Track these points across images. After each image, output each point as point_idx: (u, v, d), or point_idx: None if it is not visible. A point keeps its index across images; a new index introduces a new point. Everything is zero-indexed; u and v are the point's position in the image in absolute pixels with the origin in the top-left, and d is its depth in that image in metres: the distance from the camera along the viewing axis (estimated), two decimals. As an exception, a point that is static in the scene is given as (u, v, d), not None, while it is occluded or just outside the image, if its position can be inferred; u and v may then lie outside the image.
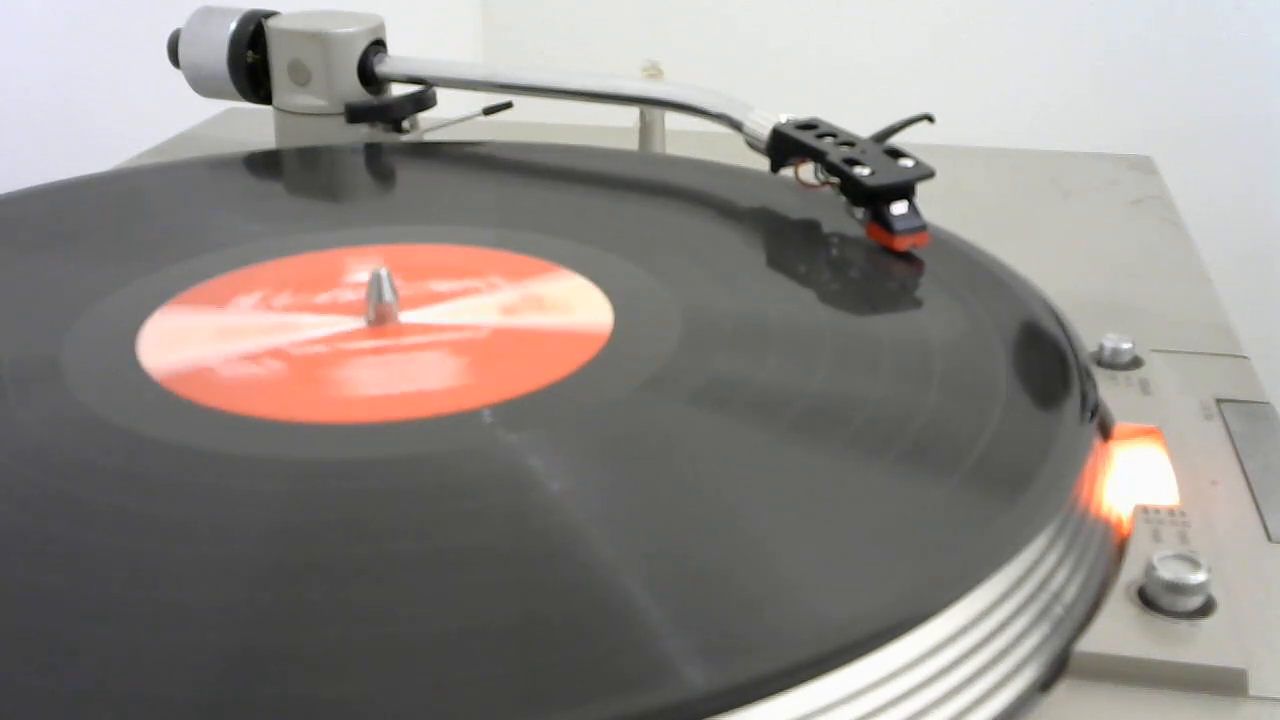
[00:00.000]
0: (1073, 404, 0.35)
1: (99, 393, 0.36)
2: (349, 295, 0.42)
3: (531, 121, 0.64)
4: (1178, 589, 0.29)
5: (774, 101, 0.53)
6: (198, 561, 0.29)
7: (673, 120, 0.58)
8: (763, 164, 0.51)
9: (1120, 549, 0.31)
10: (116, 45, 0.72)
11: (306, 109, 0.58)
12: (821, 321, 0.41)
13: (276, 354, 0.38)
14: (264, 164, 0.56)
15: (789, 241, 0.49)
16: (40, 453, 0.34)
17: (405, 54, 0.59)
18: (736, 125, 0.52)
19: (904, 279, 0.44)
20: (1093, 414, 0.35)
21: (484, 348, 0.39)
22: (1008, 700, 0.27)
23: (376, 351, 0.38)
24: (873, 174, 0.45)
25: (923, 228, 0.45)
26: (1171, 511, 0.33)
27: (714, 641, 0.26)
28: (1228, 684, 0.28)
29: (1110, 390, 0.38)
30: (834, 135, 0.49)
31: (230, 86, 0.59)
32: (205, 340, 0.39)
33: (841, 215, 0.47)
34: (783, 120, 0.51)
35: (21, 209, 0.50)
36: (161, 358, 0.38)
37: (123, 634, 0.26)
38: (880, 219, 0.45)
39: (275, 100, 0.59)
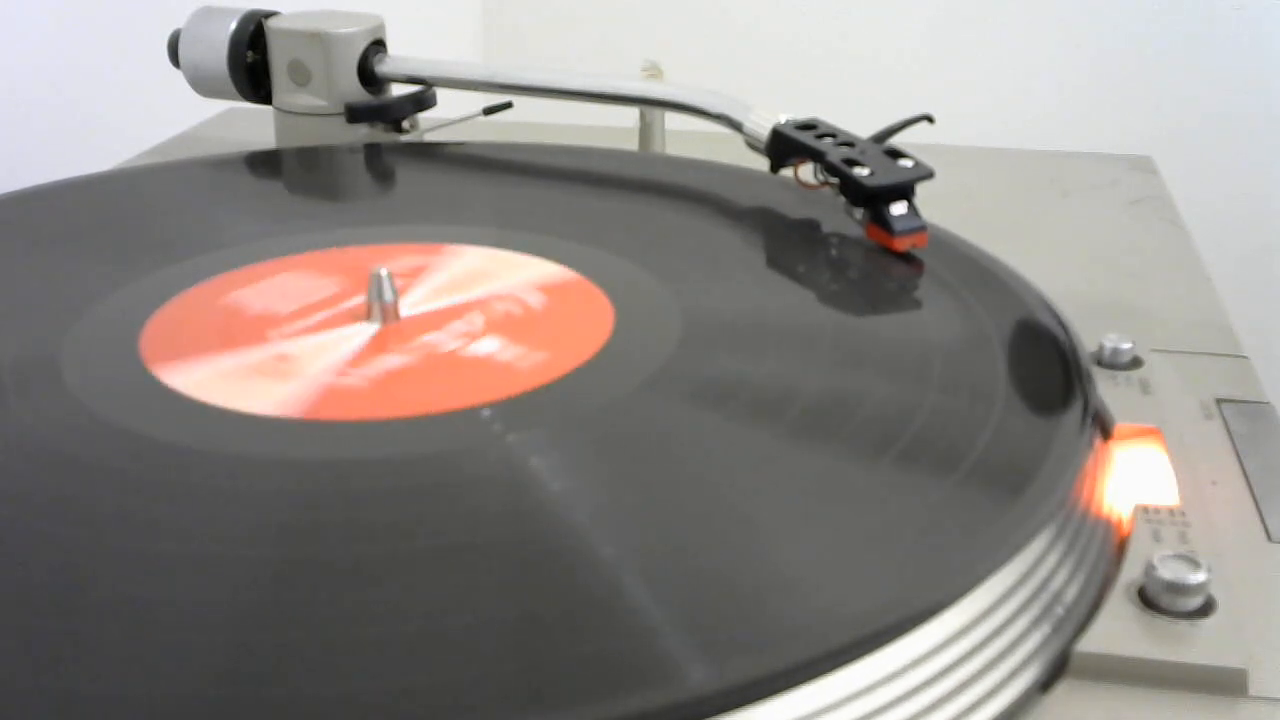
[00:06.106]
0: (1073, 404, 0.35)
1: (99, 393, 0.36)
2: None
3: (531, 121, 0.64)
4: (1178, 589, 0.29)
5: (774, 101, 0.53)
6: (198, 561, 0.29)
7: (673, 120, 0.58)
8: (763, 164, 0.51)
9: (1120, 549, 0.31)
10: (117, 45, 0.72)
11: (306, 109, 0.58)
12: (821, 321, 0.41)
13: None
14: (264, 164, 0.57)
15: (789, 241, 0.49)
16: (40, 453, 0.34)
17: (405, 54, 0.59)
18: (736, 125, 0.52)
19: (904, 279, 0.44)
20: (1093, 414, 0.35)
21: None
22: (1008, 700, 0.27)
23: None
24: (872, 174, 0.45)
25: (922, 228, 0.45)
26: (1171, 511, 0.33)
27: (714, 641, 0.26)
28: (1228, 684, 0.28)
29: (1110, 390, 0.38)
30: (833, 135, 0.49)
31: (230, 86, 0.59)
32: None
33: (841, 215, 0.47)
34: (782, 120, 0.51)
35: (21, 209, 0.50)
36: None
37: (123, 634, 0.26)
38: (880, 219, 0.45)
39: (275, 100, 0.59)
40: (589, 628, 0.26)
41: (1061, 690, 0.28)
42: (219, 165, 0.56)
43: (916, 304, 0.43)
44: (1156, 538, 0.32)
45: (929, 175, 0.46)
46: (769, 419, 0.35)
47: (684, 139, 0.60)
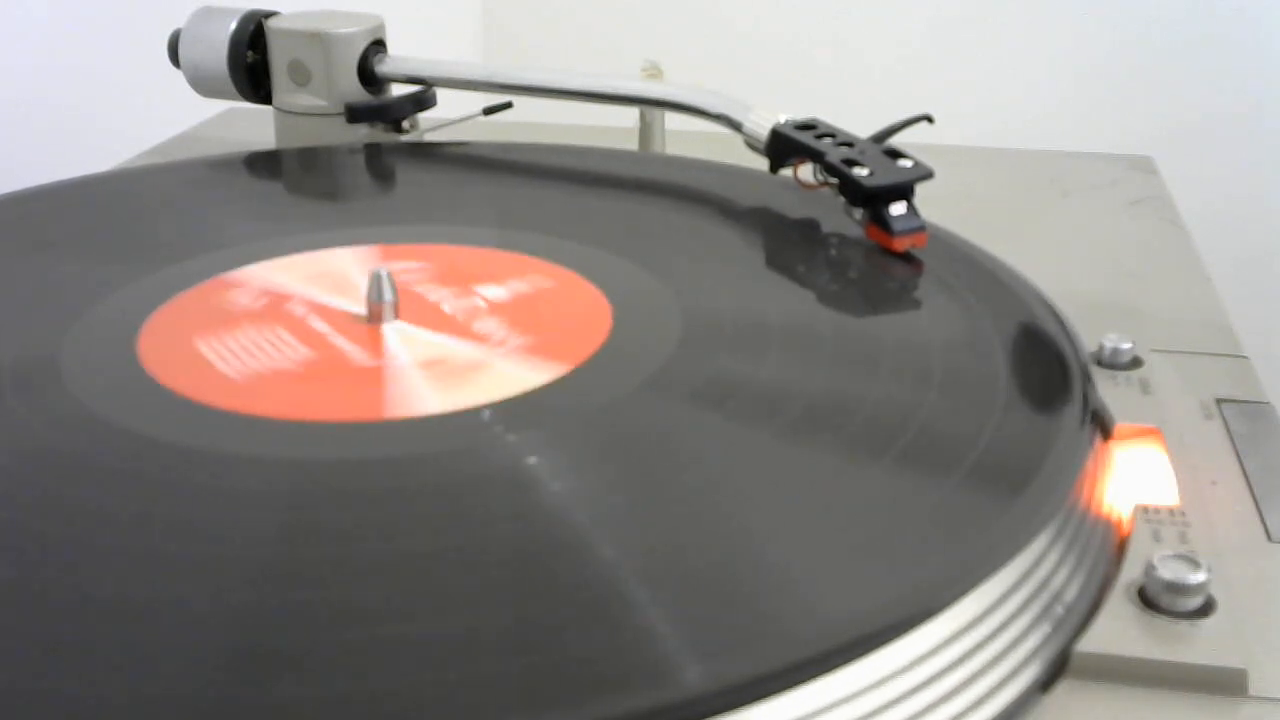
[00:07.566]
0: (1073, 404, 0.35)
1: (99, 393, 0.36)
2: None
3: (531, 121, 0.64)
4: (1178, 589, 0.29)
5: (774, 101, 0.53)
6: (198, 561, 0.29)
7: (673, 120, 0.58)
8: (762, 164, 0.51)
9: (1120, 549, 0.31)
10: (116, 45, 0.72)
11: (306, 109, 0.58)
12: (821, 321, 0.41)
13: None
14: (264, 164, 0.57)
15: (789, 241, 0.49)
16: (40, 453, 0.34)
17: (405, 54, 0.59)
18: (736, 125, 0.52)
19: (904, 279, 0.44)
20: (1093, 414, 0.35)
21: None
22: (1008, 700, 0.27)
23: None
24: (871, 174, 0.45)
25: (922, 228, 0.45)
26: (1171, 511, 0.33)
27: (713, 641, 0.26)
28: (1228, 684, 0.28)
29: (1110, 390, 0.38)
30: (833, 135, 0.49)
31: (230, 86, 0.59)
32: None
33: (841, 215, 0.47)
34: (782, 120, 0.51)
35: (21, 209, 0.50)
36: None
37: (123, 634, 0.26)
38: (879, 219, 0.45)
39: (275, 100, 0.59)
40: (587, 628, 0.26)
41: (1061, 690, 0.28)
42: (219, 165, 0.56)
43: (916, 304, 0.43)
44: (1156, 538, 0.32)
45: (929, 175, 0.46)
46: (769, 419, 0.35)
47: (684, 139, 0.60)
